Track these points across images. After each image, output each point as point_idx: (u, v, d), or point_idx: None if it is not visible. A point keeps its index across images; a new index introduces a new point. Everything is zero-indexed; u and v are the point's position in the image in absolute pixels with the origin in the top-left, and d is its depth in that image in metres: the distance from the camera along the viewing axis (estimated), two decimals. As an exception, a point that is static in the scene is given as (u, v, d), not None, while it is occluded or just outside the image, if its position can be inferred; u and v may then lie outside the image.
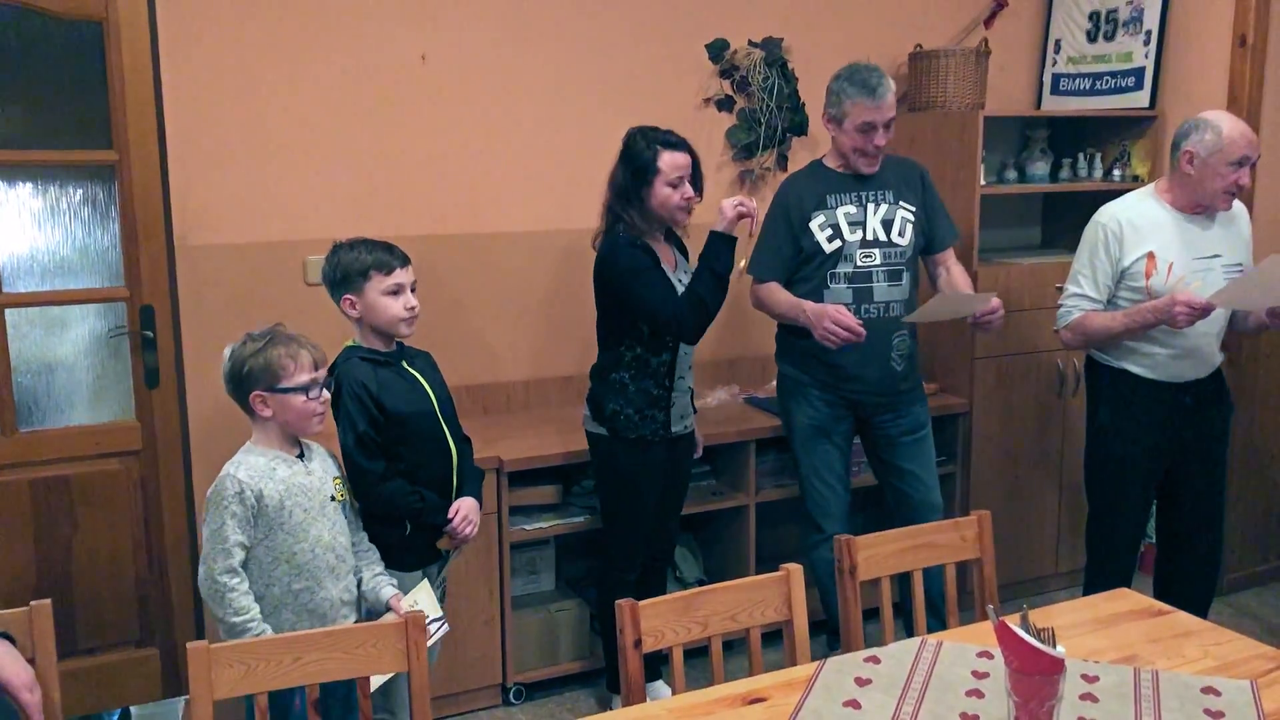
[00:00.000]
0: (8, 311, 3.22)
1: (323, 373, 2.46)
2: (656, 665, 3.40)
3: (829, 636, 3.54)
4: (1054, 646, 1.67)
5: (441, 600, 2.94)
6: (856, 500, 3.54)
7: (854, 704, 1.90)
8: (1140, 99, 4.21)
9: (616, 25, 3.83)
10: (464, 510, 2.77)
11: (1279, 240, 3.96)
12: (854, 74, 3.15)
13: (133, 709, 3.36)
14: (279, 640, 2.00)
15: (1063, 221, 4.52)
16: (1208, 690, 1.92)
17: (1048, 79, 4.53)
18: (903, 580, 2.47)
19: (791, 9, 4.08)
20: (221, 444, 2.78)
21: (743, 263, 3.11)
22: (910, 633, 2.43)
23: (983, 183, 3.97)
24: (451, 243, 3.68)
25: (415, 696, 2.02)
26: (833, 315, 3.10)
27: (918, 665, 2.03)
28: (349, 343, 2.75)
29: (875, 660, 2.06)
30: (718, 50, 3.98)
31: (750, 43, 4.02)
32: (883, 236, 3.26)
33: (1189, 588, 3.31)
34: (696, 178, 3.11)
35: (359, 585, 2.56)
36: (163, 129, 3.29)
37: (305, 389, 2.40)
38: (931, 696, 1.92)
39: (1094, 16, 4.36)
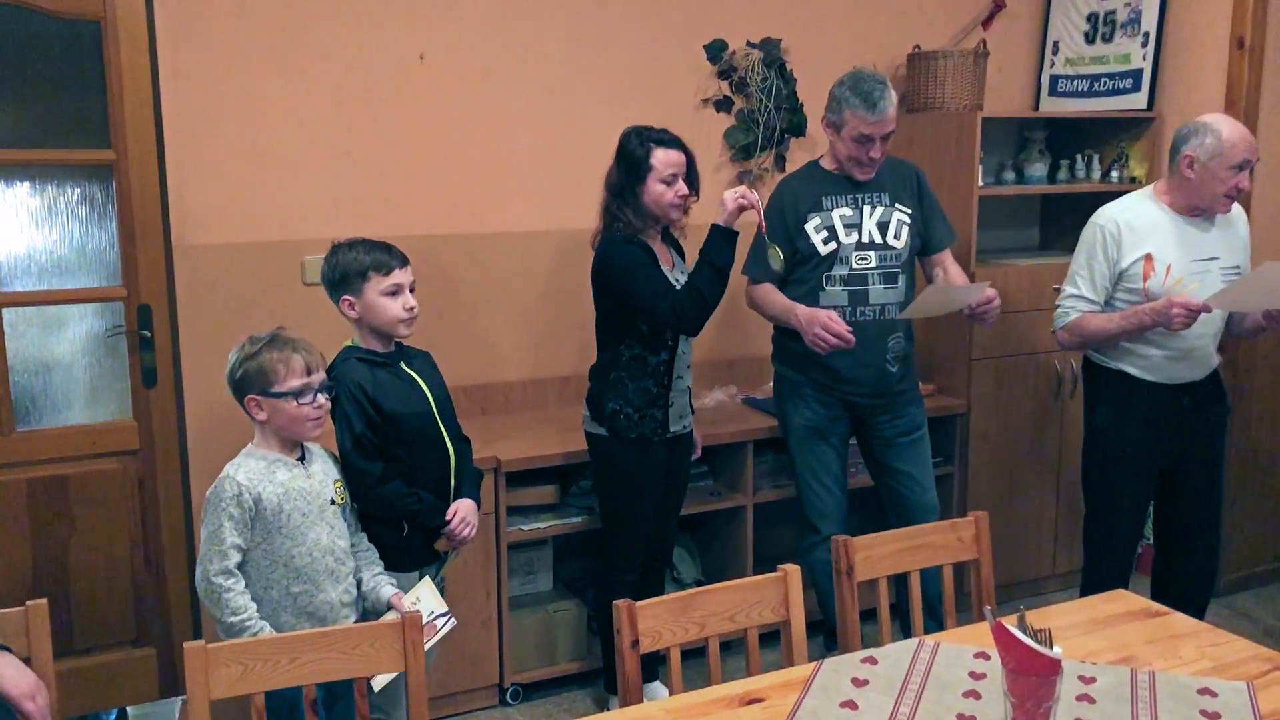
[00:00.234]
0: (5, 311, 3.22)
1: (318, 378, 2.45)
2: (654, 666, 3.40)
3: (826, 637, 3.55)
4: (1051, 647, 1.67)
5: (439, 601, 2.95)
6: (853, 501, 3.55)
7: (851, 705, 1.90)
8: (1138, 101, 4.21)
9: (615, 26, 3.83)
10: (462, 512, 2.77)
11: (1276, 242, 3.98)
12: (858, 83, 3.14)
13: (129, 709, 3.37)
14: (276, 640, 2.00)
15: (1061, 223, 4.53)
16: (1204, 691, 1.92)
17: (1046, 80, 4.54)
18: (900, 581, 2.47)
19: (790, 10, 4.08)
20: (219, 444, 2.78)
21: (777, 263, 3.09)
22: (907, 633, 2.43)
23: (981, 184, 3.97)
24: (450, 243, 3.68)
25: (412, 696, 2.02)
26: (822, 321, 3.10)
27: (915, 666, 2.03)
28: (347, 343, 2.75)
29: (872, 661, 2.06)
30: (716, 51, 3.98)
31: (749, 44, 4.02)
32: (878, 239, 3.27)
33: (1186, 589, 3.31)
34: (692, 176, 3.11)
35: (360, 586, 2.56)
36: (161, 128, 3.29)
37: (296, 394, 2.40)
38: (929, 697, 1.92)
39: (1092, 18, 4.37)
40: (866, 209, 3.28)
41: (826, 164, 3.35)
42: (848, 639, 2.31)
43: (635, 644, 2.04)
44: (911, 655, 2.08)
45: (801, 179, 3.36)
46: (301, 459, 2.49)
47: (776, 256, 3.05)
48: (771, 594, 2.20)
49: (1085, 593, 3.21)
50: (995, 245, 4.47)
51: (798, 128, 4.10)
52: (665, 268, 3.11)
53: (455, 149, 3.66)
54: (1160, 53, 4.16)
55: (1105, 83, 4.33)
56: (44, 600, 2.08)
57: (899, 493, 3.41)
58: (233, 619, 2.33)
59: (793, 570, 2.21)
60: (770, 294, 3.31)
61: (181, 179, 3.32)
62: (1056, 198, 4.52)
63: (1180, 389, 3.20)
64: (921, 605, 2.45)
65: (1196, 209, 3.14)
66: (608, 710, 3.37)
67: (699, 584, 3.69)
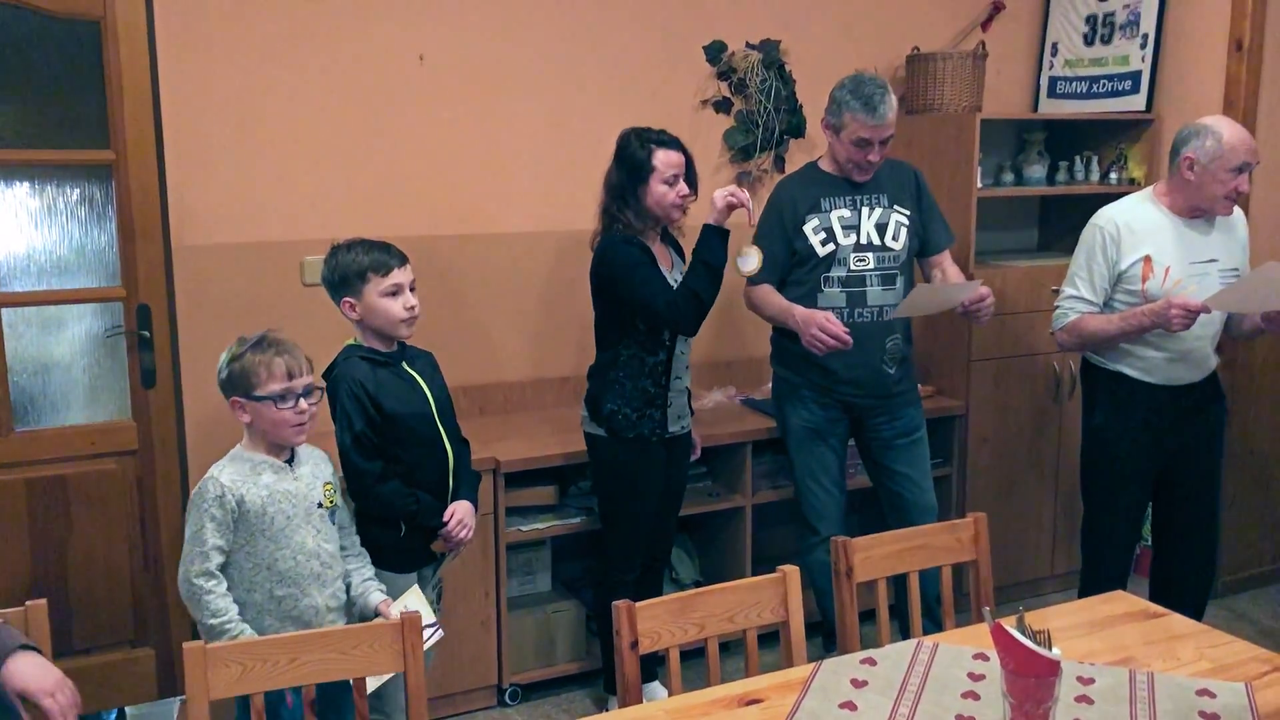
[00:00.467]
0: (4, 311, 3.21)
1: (301, 382, 2.39)
2: (652, 666, 3.40)
3: (825, 638, 3.55)
4: (1050, 648, 1.67)
5: (438, 601, 2.94)
6: (852, 502, 3.55)
7: (850, 705, 1.90)
8: (1137, 102, 4.22)
9: (615, 26, 3.83)
10: (459, 514, 2.77)
11: (1275, 244, 3.98)
12: (859, 87, 3.14)
13: (128, 709, 3.37)
14: (275, 641, 2.00)
15: (1059, 224, 4.53)
16: (1203, 693, 1.93)
17: (1045, 82, 4.54)
18: (899, 582, 2.47)
19: (789, 11, 4.08)
20: (218, 444, 2.77)
21: (755, 262, 3.10)
22: (906, 634, 2.43)
23: (979, 185, 3.97)
24: (449, 243, 3.68)
25: (412, 697, 2.02)
26: (820, 322, 3.11)
27: (914, 667, 2.04)
28: (349, 341, 2.75)
29: (871, 662, 2.06)
30: (715, 52, 3.99)
31: (748, 45, 4.02)
32: (876, 240, 3.27)
33: (1184, 590, 3.32)
34: (691, 176, 3.12)
35: (349, 590, 2.54)
36: (160, 129, 3.29)
37: (277, 398, 2.36)
38: (928, 698, 1.92)
39: (1091, 20, 4.37)
40: (865, 210, 3.28)
41: (825, 165, 3.35)
42: (847, 640, 2.31)
43: (635, 644, 2.04)
44: (910, 656, 2.08)
45: (800, 180, 3.37)
46: (290, 461, 2.46)
47: (757, 255, 3.07)
48: (770, 595, 2.20)
49: (1083, 594, 3.21)
50: (994, 247, 4.48)
51: (797, 129, 4.10)
52: (664, 268, 3.11)
53: (454, 149, 3.66)
54: (1159, 54, 4.17)
55: (1104, 84, 4.33)
56: (43, 600, 2.08)
57: (897, 494, 3.41)
58: (212, 621, 2.32)
59: (792, 571, 2.21)
60: (769, 295, 3.31)
61: (181, 179, 3.32)
62: (1055, 199, 4.52)
63: (1179, 390, 3.20)
64: (920, 606, 2.45)
65: (1196, 210, 3.14)
66: (607, 711, 3.37)
67: (697, 585, 3.69)
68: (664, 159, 3.05)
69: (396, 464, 2.70)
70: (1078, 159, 4.32)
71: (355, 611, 2.55)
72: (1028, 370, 4.10)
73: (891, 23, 4.26)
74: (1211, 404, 3.29)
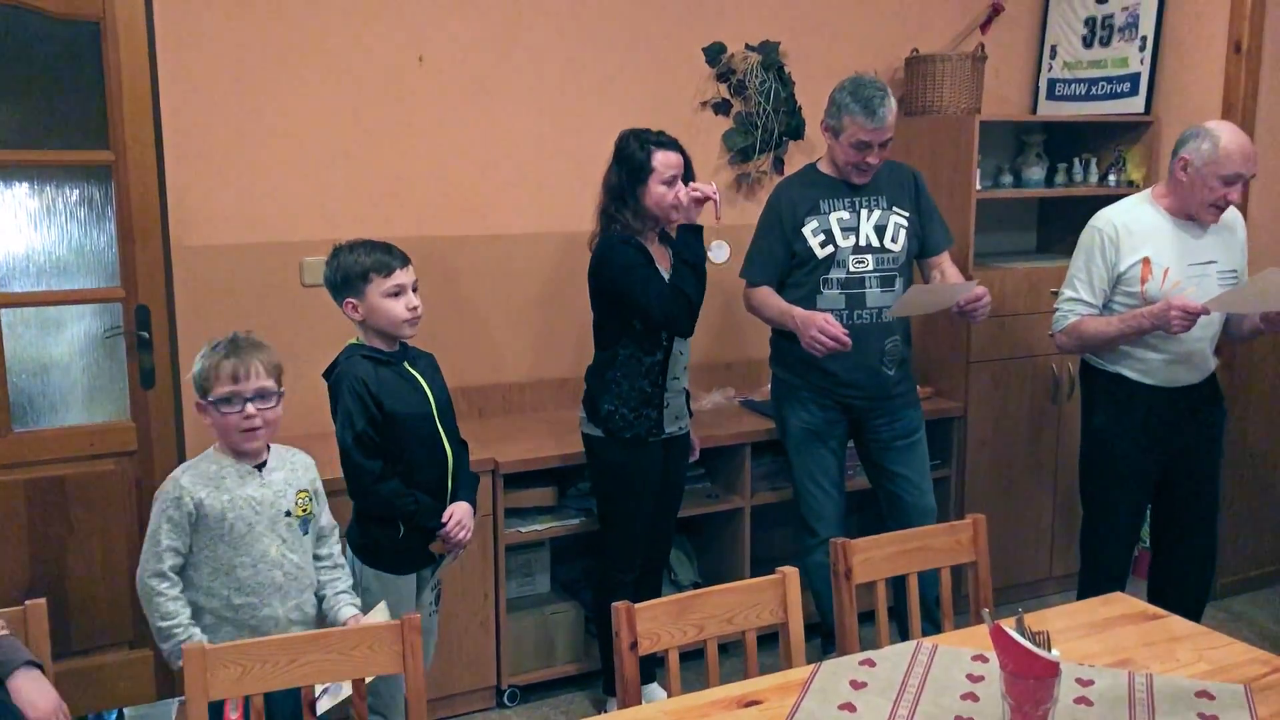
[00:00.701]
0: (3, 311, 3.21)
1: (250, 385, 2.33)
2: (651, 668, 3.40)
3: (824, 640, 3.55)
4: (1049, 650, 1.67)
5: (436, 603, 2.94)
6: (851, 503, 3.55)
7: (849, 707, 1.90)
8: (1136, 104, 4.22)
9: (614, 28, 3.84)
10: (458, 515, 2.77)
11: (1274, 246, 3.98)
12: (858, 89, 3.14)
13: (126, 710, 3.37)
14: (275, 642, 2.00)
15: (1058, 226, 4.53)
16: (1202, 694, 1.93)
17: (1043, 84, 4.54)
18: (898, 583, 2.47)
19: (788, 13, 4.08)
20: (217, 445, 2.77)
21: (727, 252, 3.13)
22: (905, 636, 2.43)
23: (978, 187, 3.98)
24: (448, 244, 3.68)
25: (411, 698, 2.02)
26: (819, 324, 3.11)
27: (913, 668, 2.04)
28: (352, 340, 2.75)
29: (870, 663, 2.06)
30: (715, 54, 3.99)
31: (747, 46, 4.02)
32: (875, 242, 3.27)
33: (1183, 592, 3.32)
34: (689, 177, 3.12)
35: (323, 602, 2.50)
36: (160, 129, 3.29)
37: (222, 401, 2.33)
38: (927, 699, 1.92)
39: (1090, 22, 4.38)
40: (864, 212, 3.28)
41: (824, 167, 3.35)
42: (846, 641, 2.31)
43: (634, 645, 2.04)
44: (910, 657, 2.08)
45: (799, 182, 3.37)
46: (262, 466, 2.41)
47: (727, 246, 3.09)
48: (770, 596, 2.20)
49: (1082, 595, 3.21)
50: (993, 248, 4.48)
51: (796, 131, 4.10)
52: (662, 268, 3.11)
53: (454, 150, 3.66)
54: (1158, 56, 4.17)
55: (1103, 86, 4.34)
56: (42, 600, 2.08)
57: (897, 495, 3.41)
58: (161, 623, 2.30)
59: (791, 572, 2.22)
60: (768, 297, 3.32)
61: (180, 180, 3.32)
62: (1054, 201, 4.53)
63: (1178, 392, 3.20)
64: (919, 608, 2.45)
65: (1189, 213, 3.14)
66: (605, 712, 3.37)
67: (696, 586, 3.69)
68: (663, 160, 3.06)
69: (396, 464, 2.70)
70: (1076, 161, 4.32)
71: (326, 625, 2.48)
72: (1027, 372, 4.10)
73: (890, 25, 4.26)
74: (1211, 406, 3.29)
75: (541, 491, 3.50)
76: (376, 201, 3.57)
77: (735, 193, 4.10)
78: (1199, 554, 3.37)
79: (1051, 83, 4.51)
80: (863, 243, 3.26)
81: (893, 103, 3.15)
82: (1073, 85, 4.44)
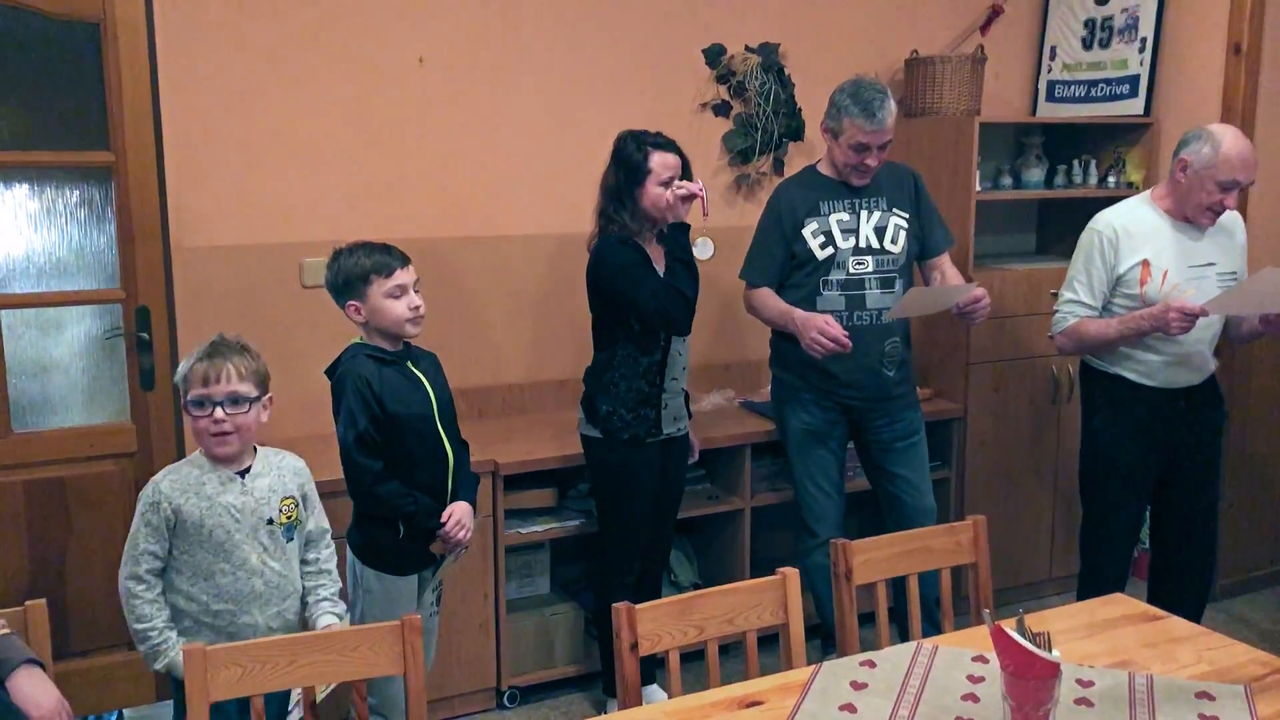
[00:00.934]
0: (3, 313, 3.21)
1: (219, 390, 2.32)
2: (651, 669, 3.40)
3: (824, 641, 3.55)
4: (1049, 651, 1.67)
5: (437, 604, 2.94)
6: (850, 505, 3.55)
7: (850, 708, 1.90)
8: (1135, 106, 4.23)
9: (614, 29, 3.84)
10: (457, 515, 2.76)
11: (1274, 247, 3.99)
12: (858, 92, 3.14)
13: (126, 711, 3.37)
14: (276, 642, 2.00)
15: (1058, 228, 4.53)
16: (1202, 695, 1.93)
17: (1043, 86, 4.55)
18: (898, 585, 2.47)
19: (788, 15, 4.09)
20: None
21: (711, 248, 3.16)
22: (905, 637, 2.43)
23: (978, 189, 3.98)
24: (448, 245, 3.68)
25: (412, 699, 2.02)
26: (819, 325, 3.11)
27: (913, 669, 2.04)
28: (355, 339, 2.75)
29: (871, 664, 2.06)
30: (715, 55, 3.99)
31: (747, 48, 4.02)
32: (875, 244, 3.27)
33: (1183, 593, 3.32)
34: (686, 178, 3.13)
35: (305, 608, 2.48)
36: (160, 130, 3.29)
37: (194, 404, 2.33)
38: (927, 700, 1.92)
39: (1089, 24, 4.38)
40: (864, 214, 3.28)
41: (824, 169, 3.35)
42: (846, 642, 2.31)
43: (635, 646, 2.04)
44: (910, 658, 2.08)
45: (799, 184, 3.37)
46: (245, 472, 2.39)
47: (711, 242, 3.10)
48: (770, 597, 2.20)
49: (1082, 596, 3.21)
50: (993, 250, 4.48)
51: (796, 132, 4.10)
52: (659, 269, 3.12)
53: (454, 152, 3.67)
54: (1157, 58, 4.18)
55: (1102, 88, 4.34)
56: (43, 601, 2.08)
57: (896, 497, 3.42)
58: (137, 626, 2.30)
59: (791, 574, 2.22)
60: (768, 298, 3.32)
61: (180, 181, 3.32)
62: (1054, 203, 4.53)
63: (1177, 394, 3.21)
64: (920, 609, 2.45)
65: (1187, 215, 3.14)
66: (605, 713, 3.37)
67: (696, 587, 3.69)
68: (660, 161, 3.06)
69: (397, 464, 2.70)
70: (1076, 162, 4.32)
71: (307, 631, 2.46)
72: (1026, 373, 4.11)
73: (890, 26, 4.26)
74: (1210, 407, 3.30)
75: (541, 493, 3.50)
76: (376, 202, 3.57)
77: (735, 194, 4.10)
78: (1199, 555, 3.37)
79: (1051, 84, 4.52)
80: (862, 244, 3.27)
81: (892, 105, 3.15)
82: (1072, 87, 4.44)
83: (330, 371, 2.73)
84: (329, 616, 2.45)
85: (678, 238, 3.02)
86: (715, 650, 2.17)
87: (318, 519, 2.54)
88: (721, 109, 4.03)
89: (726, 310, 4.04)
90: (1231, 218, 3.20)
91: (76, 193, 3.30)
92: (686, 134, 3.59)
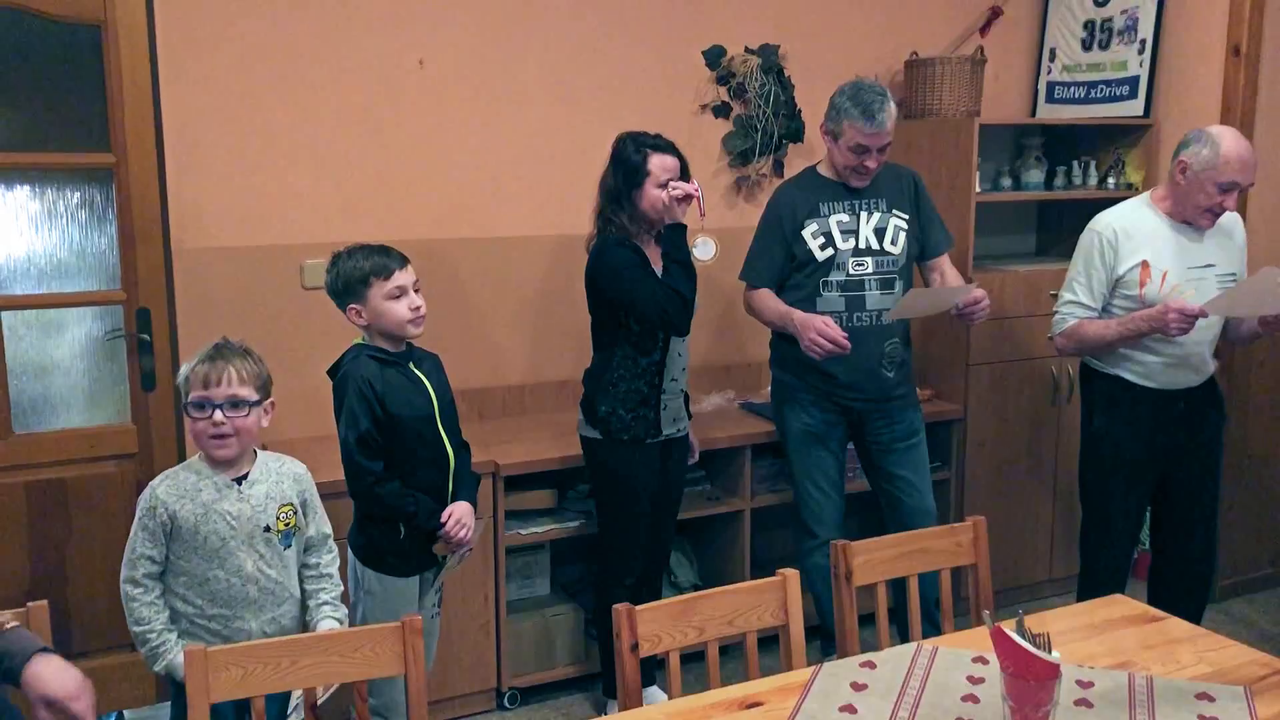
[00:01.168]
0: (4, 314, 3.22)
1: (219, 392, 2.31)
2: (651, 670, 3.40)
3: (824, 642, 3.55)
4: (1049, 651, 1.67)
5: (438, 605, 2.95)
6: (850, 506, 3.55)
7: (850, 708, 1.90)
8: (1135, 107, 4.23)
9: (614, 31, 3.84)
10: (457, 514, 2.76)
11: (1273, 249, 3.99)
12: (858, 94, 3.14)
13: (126, 713, 3.37)
14: (277, 643, 2.00)
15: (1057, 229, 4.54)
16: (1202, 696, 1.93)
17: (1043, 87, 4.55)
18: (898, 585, 2.47)
19: (788, 16, 4.09)
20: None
21: (713, 249, 3.16)
22: (905, 638, 2.44)
23: (978, 190, 3.98)
24: (448, 247, 3.69)
25: (412, 700, 2.02)
26: (818, 326, 3.12)
27: (913, 670, 2.04)
28: (357, 339, 2.75)
29: (871, 665, 2.06)
30: (714, 57, 3.99)
31: (747, 49, 4.03)
32: (875, 245, 3.28)
33: (1182, 594, 3.32)
34: (685, 180, 3.13)
35: (306, 612, 2.48)
36: (160, 132, 3.29)
37: (194, 407, 2.32)
38: (927, 701, 1.92)
39: (1089, 25, 4.38)
40: (864, 215, 3.29)
41: (824, 170, 3.35)
42: (846, 643, 2.32)
43: (635, 647, 2.05)
44: (910, 659, 2.08)
45: (799, 185, 3.37)
46: (242, 479, 2.38)
47: (714, 243, 3.10)
48: (770, 598, 2.20)
49: (1082, 597, 3.21)
50: (992, 251, 4.48)
51: (795, 133, 4.11)
52: (658, 270, 3.12)
53: (454, 153, 3.67)
54: (1157, 60, 4.18)
55: (1102, 89, 4.34)
56: (44, 601, 2.07)
57: (896, 498, 3.42)
58: (135, 628, 2.31)
59: (792, 575, 2.22)
60: (768, 299, 3.32)
61: (181, 182, 3.32)
62: (1053, 204, 4.53)
63: (1177, 395, 3.21)
64: (920, 610, 2.46)
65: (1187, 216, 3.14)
66: (606, 714, 3.37)
67: (696, 589, 3.69)
68: (659, 163, 3.07)
69: (398, 465, 2.70)
70: (1075, 164, 4.33)
71: None
72: (1026, 374, 4.11)
73: (890, 27, 4.27)
74: (1210, 408, 3.30)
75: (541, 494, 3.50)
76: (377, 204, 3.57)
77: (735, 195, 4.11)
78: (1198, 556, 3.38)
79: (1051, 86, 4.52)
80: (862, 245, 3.27)
81: (892, 107, 3.15)
82: (1072, 88, 4.44)
83: (332, 372, 2.73)
84: (329, 621, 2.45)
85: (673, 238, 3.03)
86: (715, 651, 2.17)
87: (318, 524, 2.53)
88: (721, 110, 4.04)
89: (726, 311, 4.04)
90: (1231, 219, 3.20)
91: (77, 194, 3.30)
92: (686, 135, 3.60)
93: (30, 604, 2.07)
